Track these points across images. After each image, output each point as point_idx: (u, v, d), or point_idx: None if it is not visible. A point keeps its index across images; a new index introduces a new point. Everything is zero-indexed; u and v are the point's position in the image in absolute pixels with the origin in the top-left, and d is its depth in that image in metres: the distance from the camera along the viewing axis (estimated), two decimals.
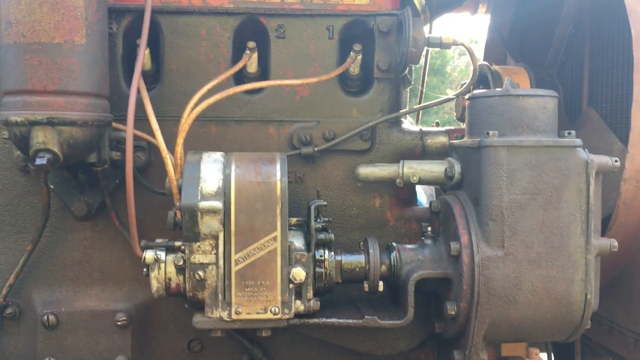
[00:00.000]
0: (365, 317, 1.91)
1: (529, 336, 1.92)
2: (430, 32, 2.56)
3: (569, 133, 1.85)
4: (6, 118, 1.73)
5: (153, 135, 1.92)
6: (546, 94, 1.88)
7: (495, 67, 2.44)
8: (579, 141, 1.83)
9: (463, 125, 2.64)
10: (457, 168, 1.99)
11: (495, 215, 1.81)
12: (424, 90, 3.05)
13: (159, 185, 2.07)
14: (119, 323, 2.04)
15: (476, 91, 1.98)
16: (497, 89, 1.93)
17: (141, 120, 1.94)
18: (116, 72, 2.07)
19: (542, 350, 2.41)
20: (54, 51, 1.70)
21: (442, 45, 2.07)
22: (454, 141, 2.10)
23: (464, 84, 2.57)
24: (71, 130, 1.74)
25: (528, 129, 1.85)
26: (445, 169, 2.01)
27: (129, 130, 1.83)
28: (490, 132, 1.83)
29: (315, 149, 2.14)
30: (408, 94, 2.43)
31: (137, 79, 1.86)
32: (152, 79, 2.14)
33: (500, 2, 2.93)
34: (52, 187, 2.03)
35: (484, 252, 1.81)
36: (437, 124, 2.80)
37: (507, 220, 1.80)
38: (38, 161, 1.69)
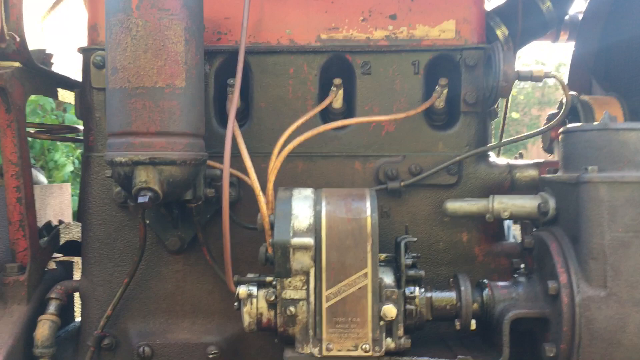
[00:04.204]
0: (459, 356, 1.87)
1: None
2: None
3: None
4: (111, 159, 1.81)
5: (244, 171, 1.96)
6: None
7: (584, 97, 2.37)
8: None
9: (551, 158, 2.58)
10: (552, 204, 1.93)
11: (597, 253, 1.74)
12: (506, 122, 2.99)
13: (247, 220, 2.12)
14: (211, 356, 2.08)
15: (571, 125, 1.93)
16: (595, 123, 1.87)
17: (232, 157, 1.99)
18: (208, 110, 2.16)
19: None
20: (156, 95, 1.78)
21: (533, 78, 2.03)
22: (546, 175, 2.04)
23: (553, 114, 2.50)
24: (171, 170, 1.81)
25: (630, 164, 1.77)
26: (539, 205, 1.95)
27: (226, 170, 1.88)
28: (589, 167, 1.77)
29: (402, 183, 2.13)
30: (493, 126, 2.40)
31: (232, 120, 1.92)
32: (240, 116, 2.21)
33: (584, 29, 2.86)
34: (148, 222, 2.11)
35: (585, 292, 1.74)
36: (521, 155, 2.74)
37: (609, 259, 1.73)
38: (140, 199, 1.76)
